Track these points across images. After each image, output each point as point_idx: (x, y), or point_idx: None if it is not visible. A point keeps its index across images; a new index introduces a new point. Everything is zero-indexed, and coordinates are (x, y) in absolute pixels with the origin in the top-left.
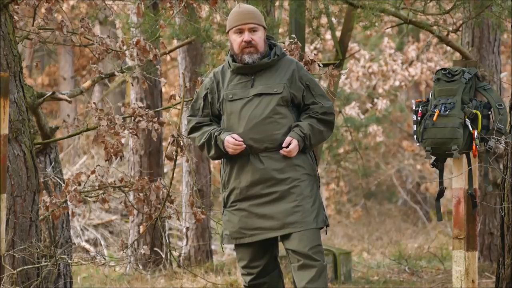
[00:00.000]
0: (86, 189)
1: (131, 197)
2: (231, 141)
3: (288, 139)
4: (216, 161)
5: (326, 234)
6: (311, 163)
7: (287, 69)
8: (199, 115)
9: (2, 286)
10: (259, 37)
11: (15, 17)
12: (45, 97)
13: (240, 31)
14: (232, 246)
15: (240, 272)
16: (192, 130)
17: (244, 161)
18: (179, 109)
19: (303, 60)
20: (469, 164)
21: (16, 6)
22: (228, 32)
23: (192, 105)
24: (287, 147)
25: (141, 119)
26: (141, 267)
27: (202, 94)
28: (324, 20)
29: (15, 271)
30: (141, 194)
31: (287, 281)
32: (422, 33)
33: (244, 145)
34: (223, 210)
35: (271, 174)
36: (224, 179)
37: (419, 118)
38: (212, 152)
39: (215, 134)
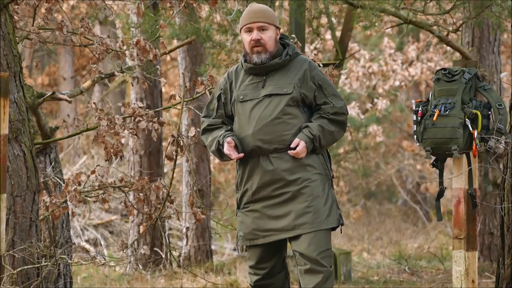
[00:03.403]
0: (86, 189)
1: (131, 197)
2: (226, 147)
3: (296, 140)
4: (216, 161)
5: (341, 233)
6: (323, 162)
7: (299, 69)
8: (213, 116)
9: (2, 286)
10: (268, 36)
11: (15, 17)
12: (45, 97)
13: (250, 30)
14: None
15: (247, 271)
16: (203, 132)
17: (255, 162)
18: (179, 109)
19: None
20: (469, 164)
21: (16, 6)
22: (240, 31)
23: (207, 105)
24: (294, 148)
25: (141, 119)
26: (141, 267)
27: (216, 95)
28: (324, 20)
29: (15, 271)
30: (141, 194)
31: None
32: (422, 33)
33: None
34: (236, 211)
35: (281, 175)
36: (237, 181)
37: (419, 118)
38: (225, 158)
39: (220, 143)
